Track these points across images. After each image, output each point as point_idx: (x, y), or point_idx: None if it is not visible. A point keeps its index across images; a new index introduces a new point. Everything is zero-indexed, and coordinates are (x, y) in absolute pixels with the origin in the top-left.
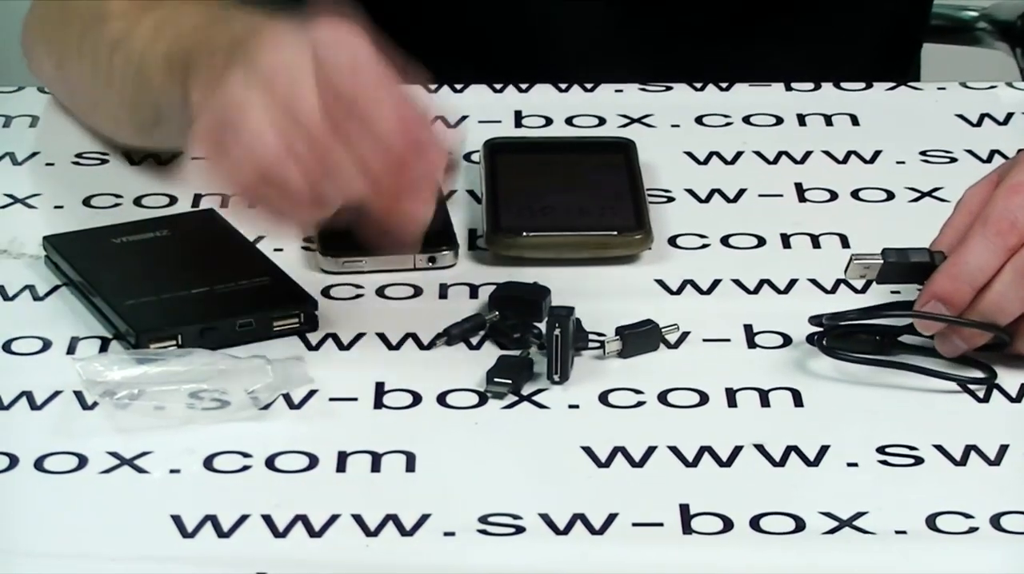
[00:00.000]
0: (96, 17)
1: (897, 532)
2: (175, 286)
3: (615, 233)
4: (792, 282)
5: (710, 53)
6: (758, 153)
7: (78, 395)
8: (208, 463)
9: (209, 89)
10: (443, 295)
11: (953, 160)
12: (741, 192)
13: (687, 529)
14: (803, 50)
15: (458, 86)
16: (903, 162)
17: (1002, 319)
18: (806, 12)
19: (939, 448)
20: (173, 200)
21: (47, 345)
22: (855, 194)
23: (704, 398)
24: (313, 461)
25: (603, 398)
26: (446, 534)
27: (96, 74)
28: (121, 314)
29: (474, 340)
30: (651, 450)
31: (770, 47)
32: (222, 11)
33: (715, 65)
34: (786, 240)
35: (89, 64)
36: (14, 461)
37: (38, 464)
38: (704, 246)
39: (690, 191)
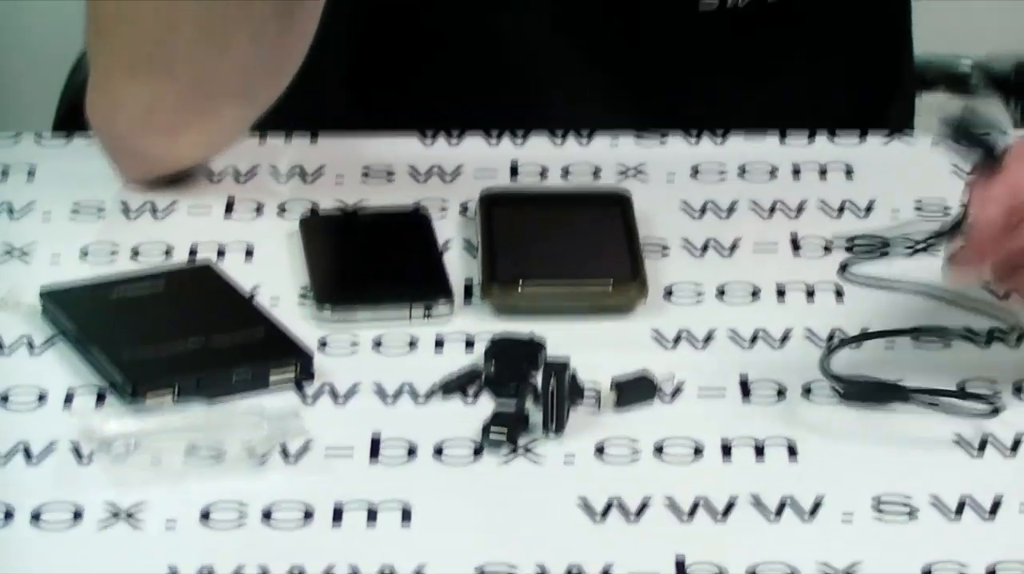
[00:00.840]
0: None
1: None
2: (171, 338)
3: (611, 285)
4: (787, 333)
5: (697, 94)
6: (753, 204)
7: (74, 447)
8: (204, 515)
9: None
10: (439, 347)
11: (948, 212)
12: (736, 244)
13: None
14: (788, 91)
15: (454, 136)
16: (897, 213)
17: None
18: (791, 50)
19: (935, 498)
20: (170, 252)
21: (43, 397)
22: (850, 246)
23: (699, 450)
24: (309, 513)
25: (598, 450)
26: None
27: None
28: (118, 366)
29: (470, 392)
30: (647, 502)
31: (749, 89)
32: None
33: (701, 103)
34: (781, 292)
35: (158, 5)
36: (10, 514)
37: (34, 517)
38: (699, 298)
39: (685, 242)
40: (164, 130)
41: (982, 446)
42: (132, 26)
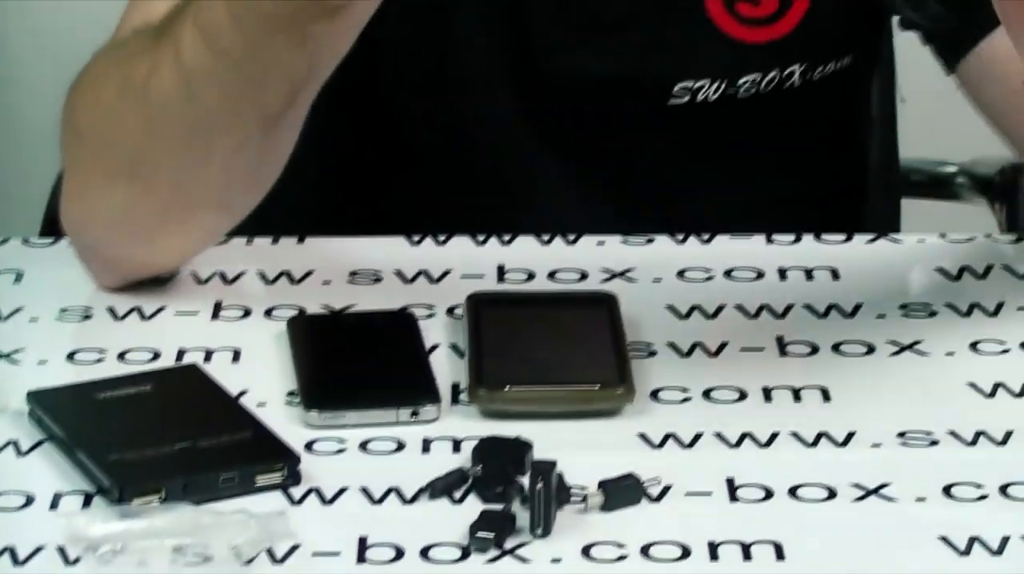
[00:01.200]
0: (132, 93)
1: None
2: (158, 441)
3: (597, 387)
4: (773, 435)
5: (673, 189)
6: (739, 307)
7: (61, 551)
8: None
9: None
10: (426, 449)
11: (933, 314)
12: (723, 346)
13: None
14: (764, 187)
15: (441, 238)
16: (883, 315)
17: None
18: (765, 146)
19: None
20: (157, 355)
21: (30, 500)
22: (836, 347)
23: (686, 552)
24: None
25: (585, 552)
26: None
27: (185, 128)
28: (104, 469)
29: (457, 494)
30: None
31: (725, 184)
32: None
33: (678, 198)
34: (767, 394)
35: (143, 113)
36: None
37: None
38: (686, 400)
39: (672, 345)
40: (139, 238)
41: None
42: (114, 134)
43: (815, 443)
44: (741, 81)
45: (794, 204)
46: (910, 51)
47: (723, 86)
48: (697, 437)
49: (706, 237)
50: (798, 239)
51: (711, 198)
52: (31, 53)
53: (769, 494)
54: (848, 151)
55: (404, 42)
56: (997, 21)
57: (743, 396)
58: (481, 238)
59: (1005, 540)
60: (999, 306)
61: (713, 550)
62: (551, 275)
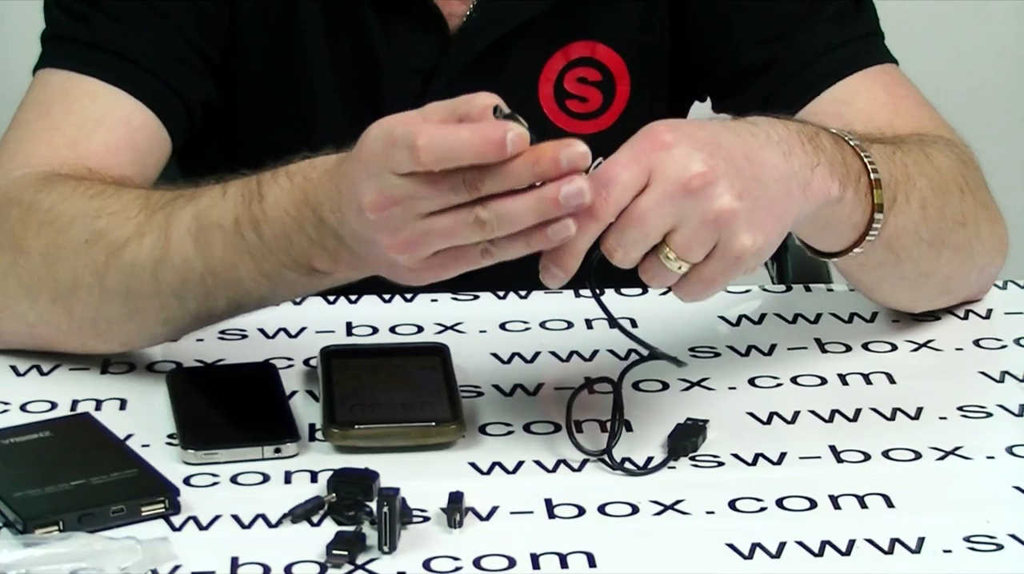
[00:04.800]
0: (105, 245)
1: None
2: (56, 479)
3: (433, 424)
4: (584, 461)
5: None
6: (553, 353)
7: None
8: None
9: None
10: (288, 481)
11: (717, 355)
12: (539, 386)
13: None
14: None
15: (297, 300)
16: (676, 359)
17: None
18: None
19: None
20: (54, 405)
21: None
22: (636, 386)
23: (512, 562)
24: None
25: (426, 565)
26: None
27: (136, 295)
28: (10, 504)
29: (315, 518)
30: None
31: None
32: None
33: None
34: (578, 426)
35: (123, 292)
36: None
37: None
38: (509, 433)
39: (496, 386)
40: (41, 343)
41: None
42: (63, 268)
43: (621, 465)
44: None
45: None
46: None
47: None
48: (519, 464)
49: (524, 293)
50: (601, 293)
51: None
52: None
53: (582, 511)
54: None
55: (285, 133)
56: (808, 97)
57: (558, 429)
58: (332, 298)
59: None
60: (772, 347)
61: (535, 560)
62: (392, 329)
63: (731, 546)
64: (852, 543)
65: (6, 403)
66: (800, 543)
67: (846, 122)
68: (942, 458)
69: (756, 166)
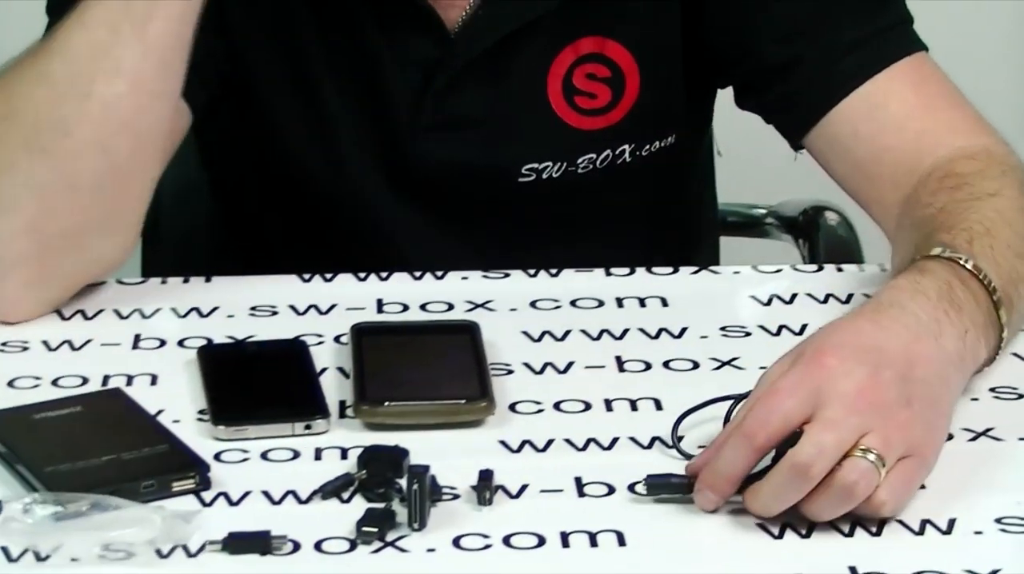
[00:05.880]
0: None
1: None
2: (87, 454)
3: (463, 402)
4: (614, 440)
5: (524, 252)
6: (584, 331)
7: (4, 550)
8: None
9: None
10: (318, 457)
11: (748, 334)
12: (570, 365)
13: None
14: (604, 245)
15: (328, 276)
16: (706, 336)
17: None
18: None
19: None
20: (85, 380)
21: None
22: (666, 364)
23: (542, 540)
24: None
25: (456, 542)
26: None
27: None
28: (42, 479)
29: (345, 495)
30: None
31: (569, 243)
32: None
33: (529, 260)
34: (608, 404)
35: None
36: None
37: None
38: (539, 411)
39: (526, 364)
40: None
41: (781, 532)
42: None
43: (650, 446)
44: (579, 160)
45: (631, 252)
46: (729, 108)
47: (564, 165)
48: (549, 442)
49: (554, 271)
50: (632, 272)
51: (557, 254)
52: None
53: (612, 490)
54: (677, 207)
55: (299, 130)
56: (837, 97)
57: (588, 407)
58: (362, 275)
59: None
60: (803, 327)
61: (564, 539)
62: (423, 307)
63: (761, 526)
64: (883, 523)
65: (37, 378)
66: (830, 523)
67: (879, 127)
68: (973, 439)
69: (916, 365)
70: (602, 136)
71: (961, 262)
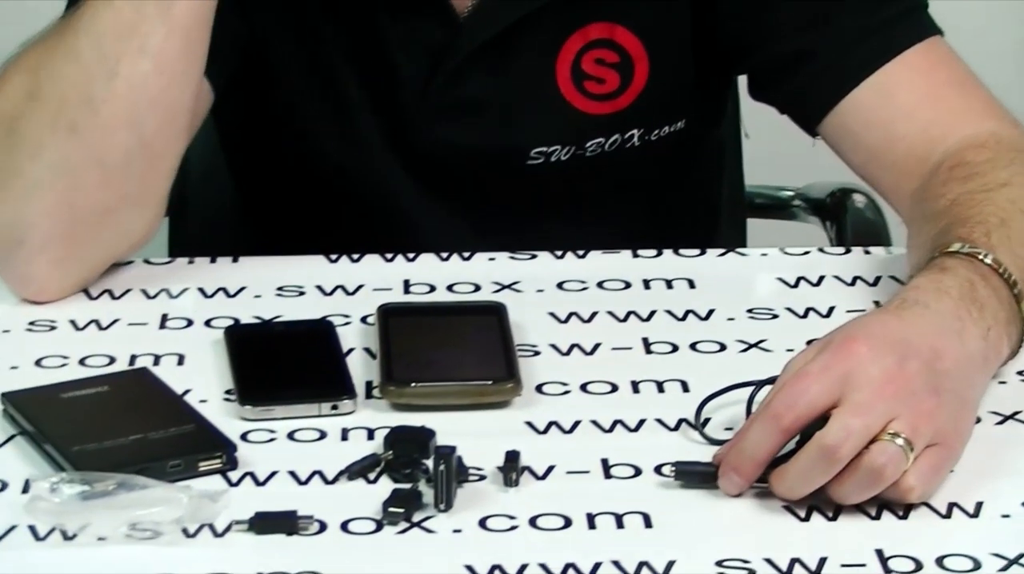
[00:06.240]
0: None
1: None
2: (114, 433)
3: (490, 383)
4: (641, 422)
5: (535, 235)
6: (610, 313)
7: (31, 529)
8: None
9: None
10: (344, 438)
11: (775, 317)
12: (596, 346)
13: None
14: (619, 228)
15: (355, 256)
16: (733, 318)
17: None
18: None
19: (768, 561)
20: (112, 360)
21: (4, 486)
22: (693, 346)
23: (568, 521)
24: None
25: (482, 523)
26: None
27: None
28: (69, 459)
29: (371, 475)
30: (523, 568)
31: (582, 227)
32: None
33: (541, 243)
34: (635, 386)
35: None
36: None
37: None
38: (566, 392)
39: (553, 346)
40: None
41: (808, 514)
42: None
43: (676, 428)
44: (588, 144)
45: (645, 237)
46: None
47: (573, 150)
48: (576, 424)
49: (581, 253)
50: (659, 254)
51: (571, 237)
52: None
53: (638, 472)
54: (692, 190)
55: (315, 112)
56: (847, 87)
57: (615, 388)
58: (389, 256)
59: None
60: (831, 310)
61: (591, 520)
62: (449, 287)
63: (788, 508)
64: (910, 507)
65: (64, 357)
66: (857, 506)
67: (889, 117)
68: (1001, 422)
69: (941, 358)
70: (610, 121)
71: (980, 257)
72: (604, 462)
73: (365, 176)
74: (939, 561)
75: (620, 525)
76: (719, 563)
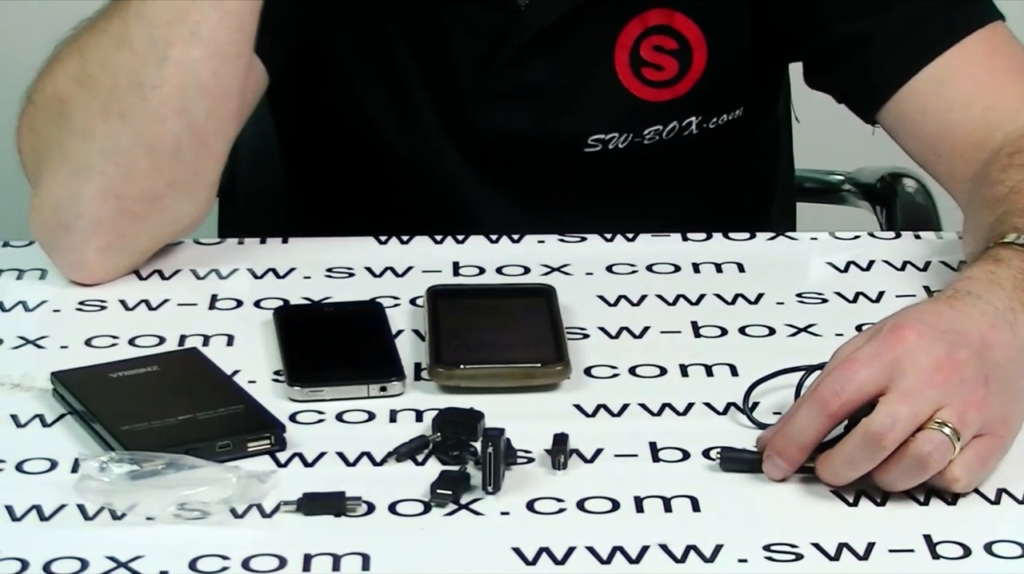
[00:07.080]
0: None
1: None
2: (164, 413)
3: (539, 365)
4: (689, 406)
5: (591, 223)
6: (660, 296)
7: (80, 507)
8: (193, 565)
9: None
10: (393, 419)
11: (825, 301)
12: (646, 329)
13: None
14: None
15: (405, 238)
16: (782, 303)
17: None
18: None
19: (816, 546)
20: (162, 340)
21: (54, 465)
22: (742, 330)
23: (616, 505)
24: (282, 562)
25: (530, 506)
26: None
27: None
28: (118, 438)
29: (419, 457)
30: (571, 550)
31: (637, 215)
32: None
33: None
34: (684, 370)
35: None
36: (25, 565)
37: (46, 568)
38: (615, 375)
39: (602, 329)
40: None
41: (856, 499)
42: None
43: (725, 412)
44: (646, 132)
45: (699, 222)
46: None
47: (630, 137)
48: (624, 407)
49: (631, 236)
50: (709, 237)
51: (625, 224)
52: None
53: (686, 455)
54: (747, 176)
55: (372, 96)
56: (905, 76)
57: (663, 372)
58: (439, 238)
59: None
60: (880, 294)
61: (639, 503)
62: (499, 270)
63: (836, 494)
64: (958, 493)
65: (115, 337)
66: (906, 492)
67: (947, 104)
68: None
69: (993, 348)
70: (669, 108)
71: None
72: (652, 446)
73: (422, 160)
74: (987, 547)
75: (668, 509)
76: (767, 547)
